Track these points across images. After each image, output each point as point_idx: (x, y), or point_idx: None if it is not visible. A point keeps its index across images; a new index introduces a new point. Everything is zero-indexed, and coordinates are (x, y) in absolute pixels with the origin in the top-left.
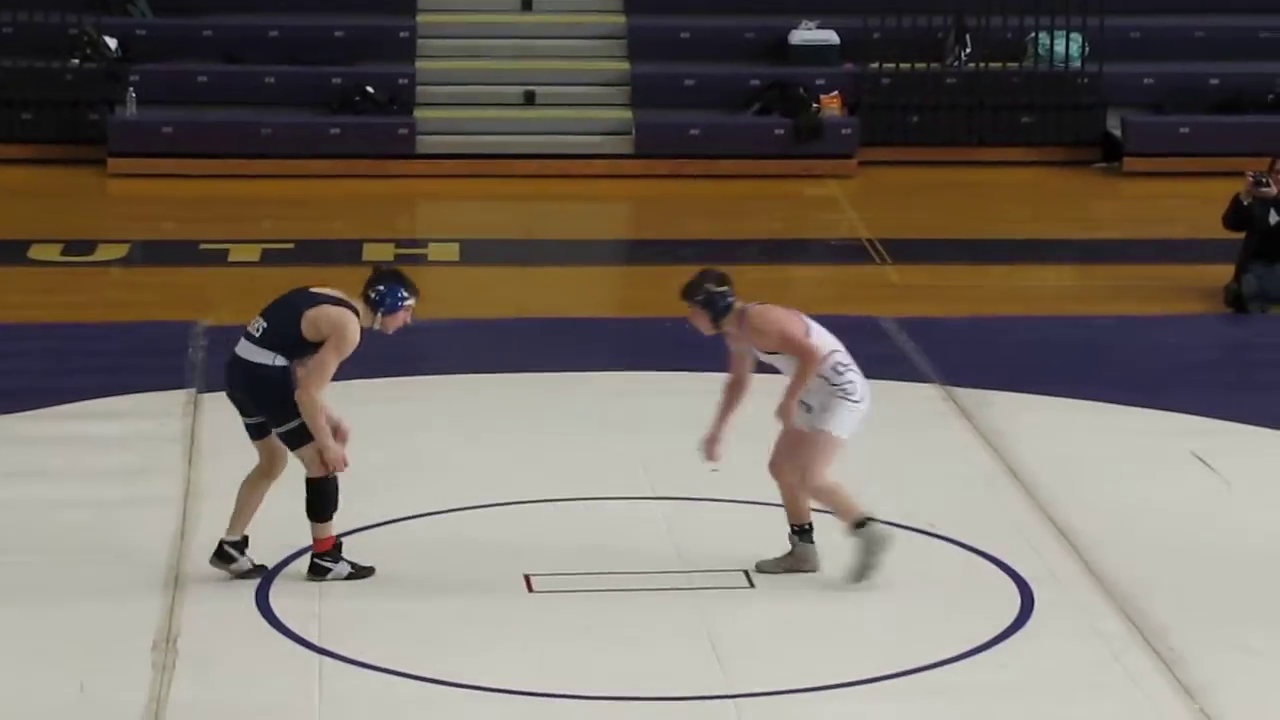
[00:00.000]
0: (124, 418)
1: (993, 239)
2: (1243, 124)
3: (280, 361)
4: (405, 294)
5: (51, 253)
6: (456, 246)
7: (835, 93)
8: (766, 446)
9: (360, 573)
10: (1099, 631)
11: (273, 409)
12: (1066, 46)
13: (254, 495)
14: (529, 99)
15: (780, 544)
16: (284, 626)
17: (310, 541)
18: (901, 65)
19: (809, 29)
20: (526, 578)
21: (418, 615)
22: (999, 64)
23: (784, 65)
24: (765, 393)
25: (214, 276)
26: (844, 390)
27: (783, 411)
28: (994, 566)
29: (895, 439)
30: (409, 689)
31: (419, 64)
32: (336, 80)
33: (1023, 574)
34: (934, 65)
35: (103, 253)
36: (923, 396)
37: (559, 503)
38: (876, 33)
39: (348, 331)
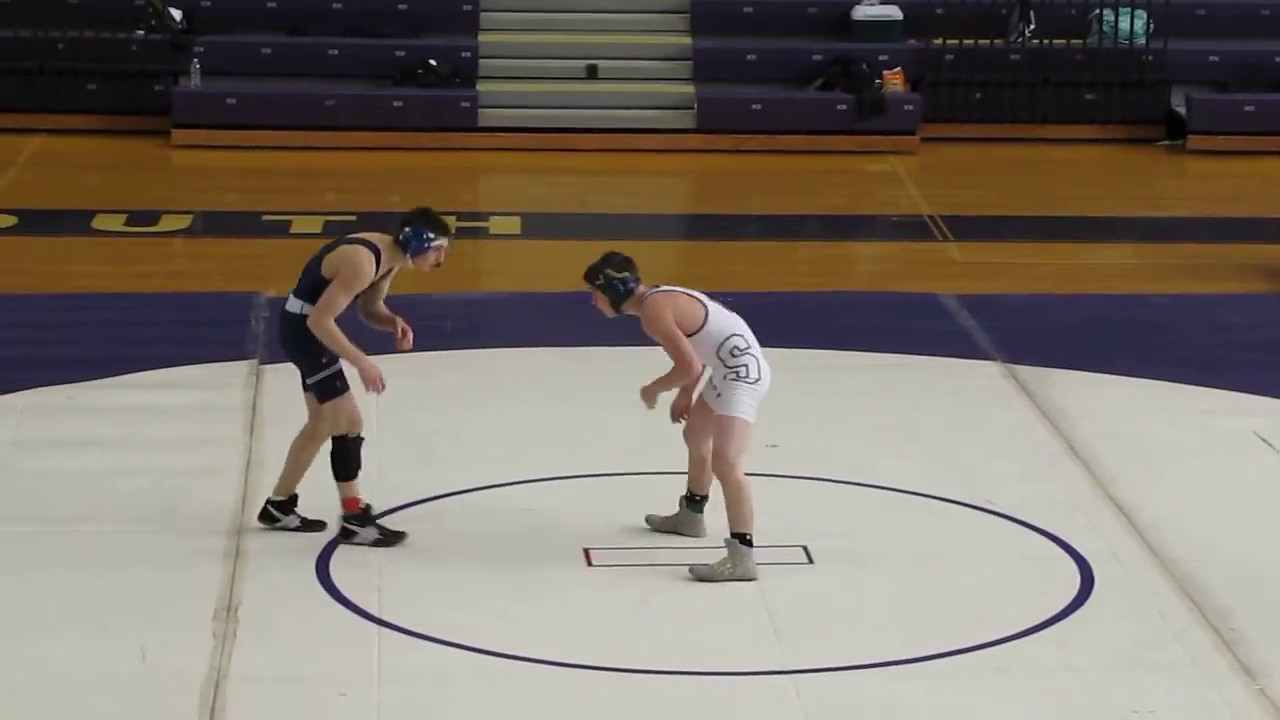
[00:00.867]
0: (186, 388)
1: (1055, 216)
2: None
3: (308, 310)
4: (432, 235)
5: (115, 223)
6: (518, 220)
7: (898, 68)
8: (823, 423)
9: (388, 539)
10: (1159, 611)
11: (302, 359)
12: (1131, 23)
13: (301, 456)
14: (591, 73)
15: (835, 517)
16: (344, 597)
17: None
18: (965, 41)
19: (872, 4)
20: (586, 551)
21: (477, 587)
22: (1063, 40)
23: (847, 40)
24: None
25: (276, 248)
26: (737, 373)
27: (642, 394)
28: (1054, 545)
29: (956, 416)
30: (468, 661)
31: (482, 37)
32: (400, 53)
33: (1083, 553)
34: (998, 41)
35: (166, 223)
36: (984, 374)
37: (619, 477)
38: (940, 8)
39: (358, 266)
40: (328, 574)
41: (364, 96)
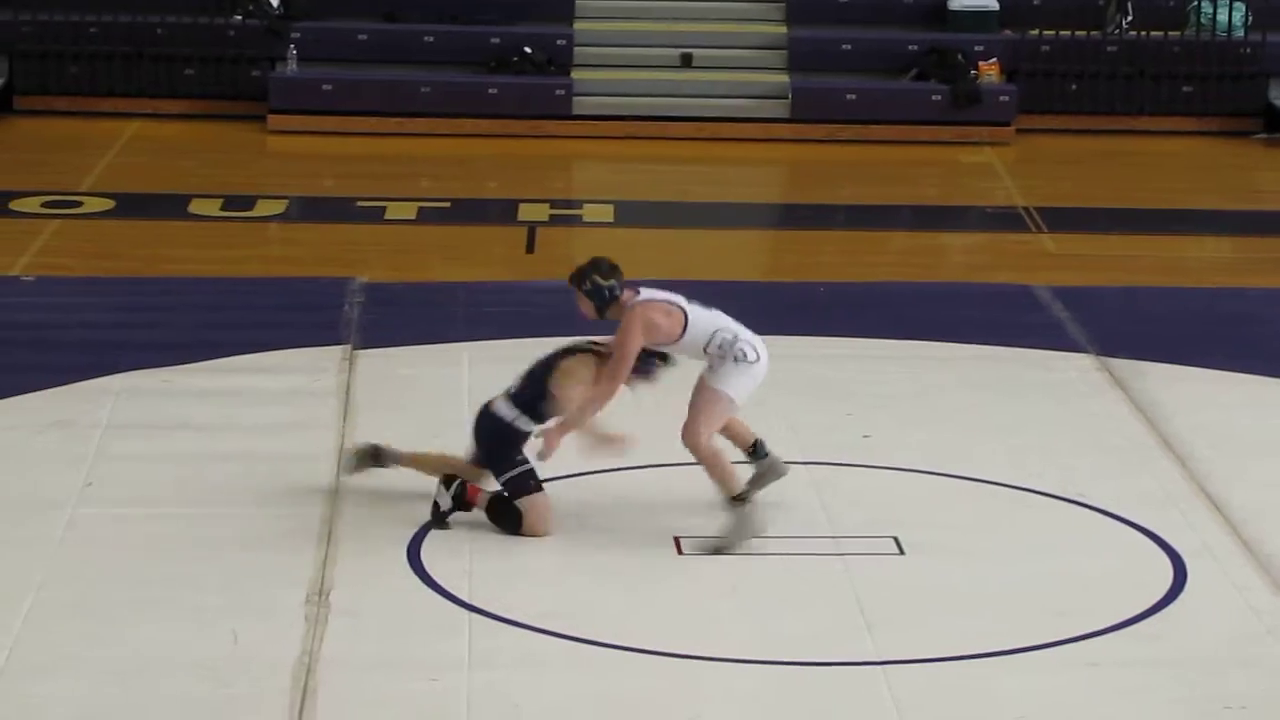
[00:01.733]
0: (279, 372)
1: (1150, 209)
2: None
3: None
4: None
5: (211, 208)
6: (611, 208)
7: (994, 59)
8: (916, 415)
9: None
10: (1252, 606)
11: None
12: (1230, 15)
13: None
14: (686, 61)
15: (927, 508)
16: (435, 583)
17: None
18: (1061, 32)
19: None
20: (676, 539)
21: (567, 574)
22: (1160, 33)
23: (942, 31)
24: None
25: (370, 234)
26: (735, 358)
27: (546, 437)
28: (1147, 539)
29: (1049, 408)
30: (557, 647)
31: (577, 25)
32: (495, 40)
33: (1176, 547)
34: (1094, 33)
35: (262, 208)
36: (1077, 366)
37: None
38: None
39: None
40: (419, 559)
41: (459, 83)
